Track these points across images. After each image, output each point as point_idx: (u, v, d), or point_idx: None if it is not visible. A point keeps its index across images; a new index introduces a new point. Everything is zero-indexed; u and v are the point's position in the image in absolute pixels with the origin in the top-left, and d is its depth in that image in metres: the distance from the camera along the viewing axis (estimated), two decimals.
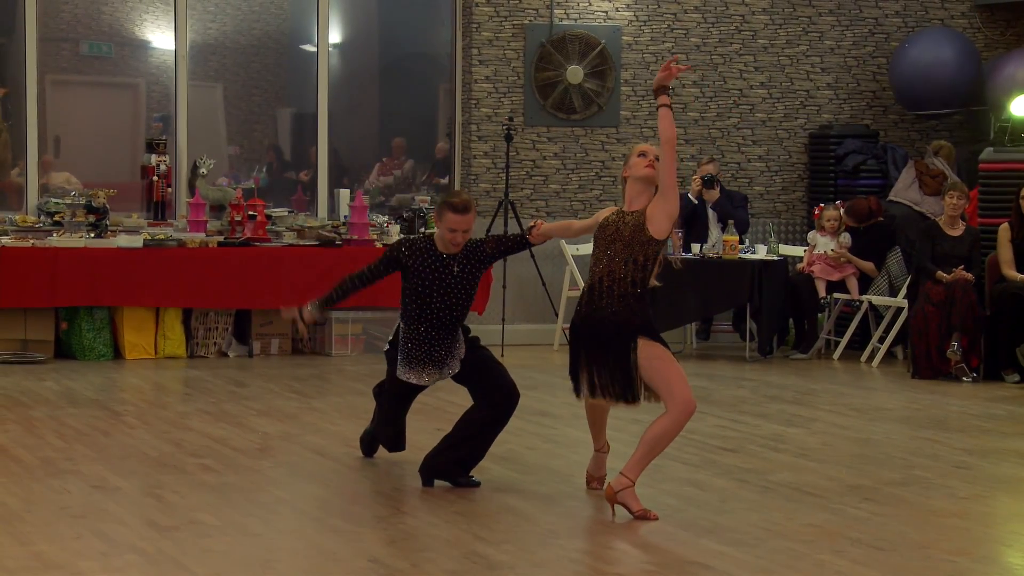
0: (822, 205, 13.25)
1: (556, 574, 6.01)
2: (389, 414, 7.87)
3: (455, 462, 7.53)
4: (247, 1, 13.83)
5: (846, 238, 12.99)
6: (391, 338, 7.80)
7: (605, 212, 7.22)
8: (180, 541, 6.34)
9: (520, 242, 7.69)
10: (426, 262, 7.52)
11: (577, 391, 7.09)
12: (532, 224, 7.65)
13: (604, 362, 6.92)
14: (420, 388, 7.76)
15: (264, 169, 14.00)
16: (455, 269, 7.53)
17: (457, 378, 7.70)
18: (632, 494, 6.85)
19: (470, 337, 7.76)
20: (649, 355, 6.87)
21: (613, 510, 6.91)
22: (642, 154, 7.06)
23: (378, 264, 7.65)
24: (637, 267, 6.93)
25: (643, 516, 6.82)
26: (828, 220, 13.04)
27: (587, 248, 13.22)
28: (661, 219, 6.92)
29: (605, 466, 7.47)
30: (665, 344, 6.98)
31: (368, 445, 8.20)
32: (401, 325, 7.67)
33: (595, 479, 7.49)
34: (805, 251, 13.26)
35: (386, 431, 7.91)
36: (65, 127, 13.34)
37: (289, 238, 12.84)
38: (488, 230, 13.20)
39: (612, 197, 13.61)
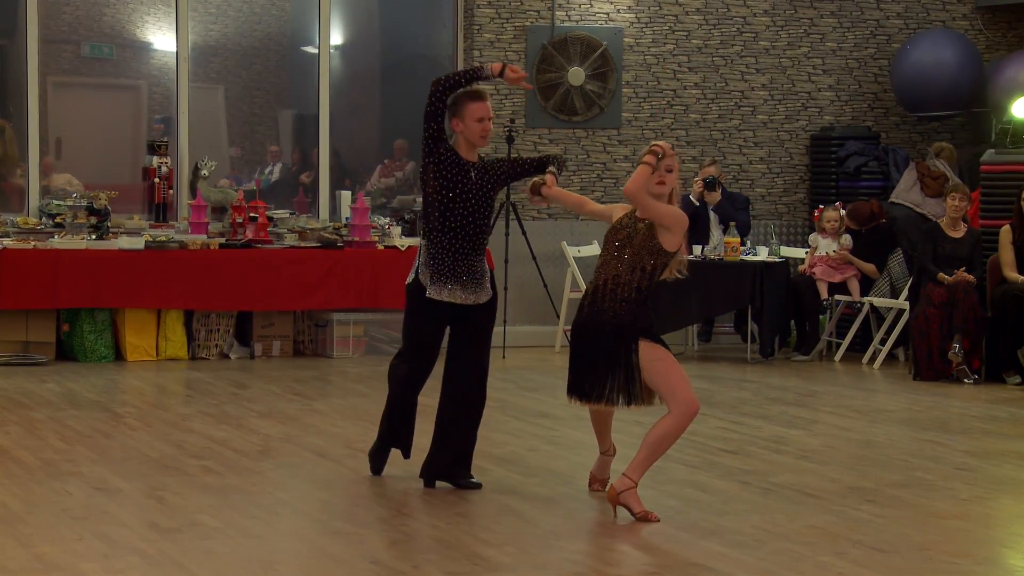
0: (822, 207, 13.25)
1: None
2: (419, 342, 7.54)
3: (451, 462, 7.52)
4: (248, 3, 13.83)
5: (847, 239, 12.99)
6: (414, 270, 7.53)
7: (619, 210, 7.16)
8: (181, 543, 6.34)
9: (535, 167, 7.55)
10: (450, 167, 7.38)
11: (569, 393, 7.08)
12: (549, 173, 7.43)
13: (603, 366, 6.91)
14: (448, 316, 7.51)
15: (273, 169, 14.02)
16: (472, 175, 7.39)
17: (449, 338, 7.60)
18: (634, 495, 6.85)
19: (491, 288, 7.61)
20: (651, 357, 6.86)
21: (615, 511, 6.90)
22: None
23: (428, 130, 7.44)
24: (644, 274, 6.93)
25: (644, 518, 6.82)
26: (828, 221, 13.04)
27: (588, 250, 13.27)
28: (676, 233, 6.94)
29: (609, 469, 7.46)
30: (666, 346, 6.98)
31: (377, 460, 7.86)
32: (424, 243, 7.50)
33: (597, 481, 7.48)
34: (806, 253, 13.26)
35: (412, 368, 7.62)
36: (66, 129, 13.35)
37: (290, 240, 12.84)
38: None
39: (614, 198, 13.60)
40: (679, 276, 7.15)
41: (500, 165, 7.58)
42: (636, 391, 6.89)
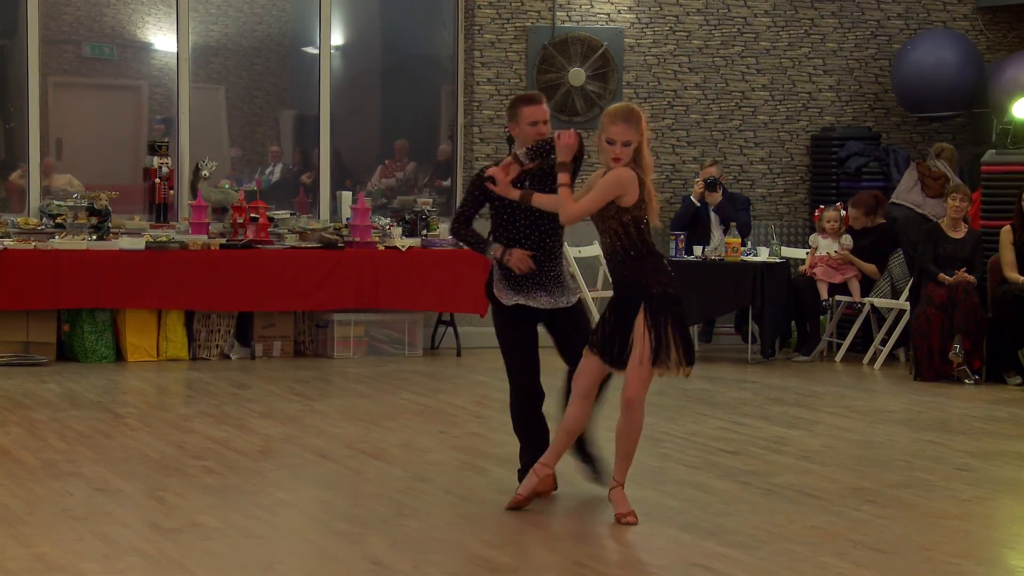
0: (822, 207, 13.25)
1: None
2: (519, 358, 7.43)
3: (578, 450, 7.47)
4: (249, 3, 13.83)
5: (847, 239, 12.98)
6: (490, 284, 7.45)
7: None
8: (182, 543, 6.34)
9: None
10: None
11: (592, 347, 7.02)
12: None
13: (619, 326, 6.91)
14: (534, 319, 7.41)
15: (274, 170, 14.02)
16: (527, 184, 7.25)
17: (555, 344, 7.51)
18: (619, 494, 6.87)
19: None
20: (643, 325, 6.84)
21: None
22: (610, 141, 7.00)
23: (466, 201, 7.42)
24: (619, 236, 6.89)
25: (623, 518, 6.82)
26: (829, 221, 13.04)
27: (589, 250, 13.27)
28: (627, 192, 6.85)
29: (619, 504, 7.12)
30: (676, 322, 6.90)
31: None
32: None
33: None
34: (807, 253, 13.26)
35: (522, 381, 7.48)
36: (67, 129, 13.35)
37: (291, 240, 12.84)
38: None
39: None
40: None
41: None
42: (625, 353, 6.86)
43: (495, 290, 7.42)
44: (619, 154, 6.87)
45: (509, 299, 7.37)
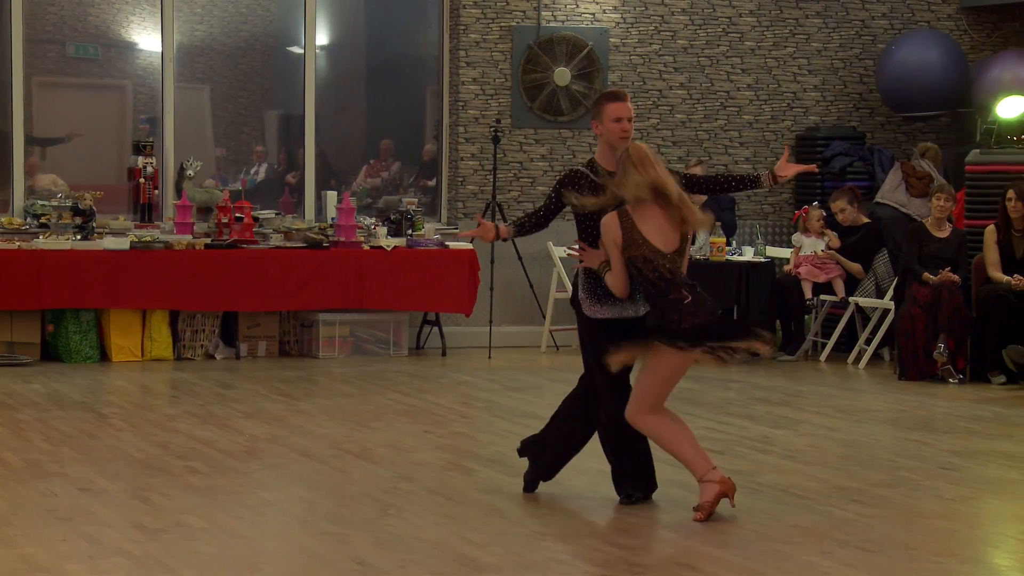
0: (806, 207, 13.27)
1: None
2: (611, 373, 7.11)
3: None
4: (234, 3, 13.81)
5: (832, 236, 12.98)
6: (577, 301, 7.29)
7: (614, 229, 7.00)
8: (167, 543, 6.33)
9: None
10: (586, 189, 7.17)
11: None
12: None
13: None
14: (623, 330, 7.17)
15: (259, 170, 14.00)
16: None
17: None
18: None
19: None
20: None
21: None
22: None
23: (547, 204, 7.36)
24: (635, 280, 6.99)
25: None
26: (815, 220, 13.05)
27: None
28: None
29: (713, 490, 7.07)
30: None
31: (531, 483, 7.56)
32: (580, 271, 7.27)
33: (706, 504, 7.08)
34: (791, 252, 13.28)
35: (616, 397, 7.20)
36: (51, 129, 13.31)
37: (276, 240, 12.83)
38: None
39: None
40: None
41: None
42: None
43: (583, 306, 7.23)
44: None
45: (600, 312, 7.19)
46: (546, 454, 7.47)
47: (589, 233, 7.17)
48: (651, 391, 6.97)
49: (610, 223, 6.87)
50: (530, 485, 7.49)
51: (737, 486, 7.05)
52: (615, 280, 6.92)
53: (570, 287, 13.06)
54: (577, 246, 7.24)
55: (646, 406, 6.98)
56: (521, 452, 7.58)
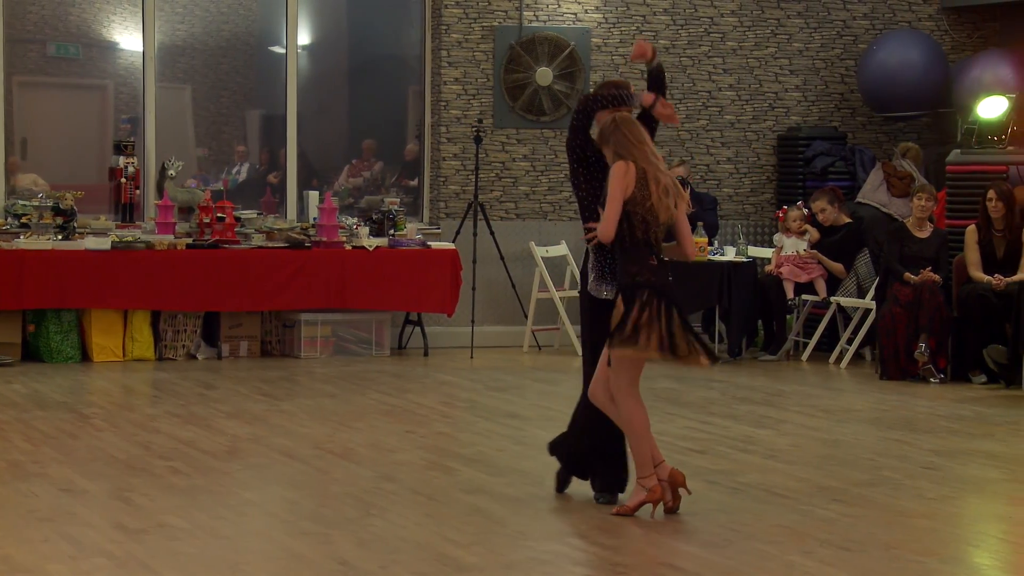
0: (786, 207, 13.28)
1: None
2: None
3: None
4: (215, 2, 13.79)
5: (813, 233, 12.98)
6: (587, 282, 7.35)
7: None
8: (149, 544, 6.32)
9: None
10: (600, 170, 7.28)
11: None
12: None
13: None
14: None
15: (241, 169, 13.97)
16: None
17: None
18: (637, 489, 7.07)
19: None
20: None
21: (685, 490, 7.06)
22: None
23: (574, 140, 7.46)
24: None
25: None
26: (795, 220, 13.07)
27: (556, 250, 13.28)
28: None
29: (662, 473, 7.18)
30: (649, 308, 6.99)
31: (562, 480, 7.60)
32: (591, 249, 7.29)
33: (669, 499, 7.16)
34: (772, 252, 13.29)
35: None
36: (32, 129, 13.27)
37: (258, 240, 12.81)
38: (457, 233, 13.22)
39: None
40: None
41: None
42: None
43: (589, 285, 7.32)
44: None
45: (605, 293, 7.24)
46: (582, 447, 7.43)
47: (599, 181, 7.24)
48: (624, 372, 7.03)
49: (628, 170, 6.98)
50: (562, 484, 7.53)
51: (719, 485, 7.04)
52: (605, 225, 6.96)
53: (552, 287, 13.09)
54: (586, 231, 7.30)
55: (623, 385, 7.02)
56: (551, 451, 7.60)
